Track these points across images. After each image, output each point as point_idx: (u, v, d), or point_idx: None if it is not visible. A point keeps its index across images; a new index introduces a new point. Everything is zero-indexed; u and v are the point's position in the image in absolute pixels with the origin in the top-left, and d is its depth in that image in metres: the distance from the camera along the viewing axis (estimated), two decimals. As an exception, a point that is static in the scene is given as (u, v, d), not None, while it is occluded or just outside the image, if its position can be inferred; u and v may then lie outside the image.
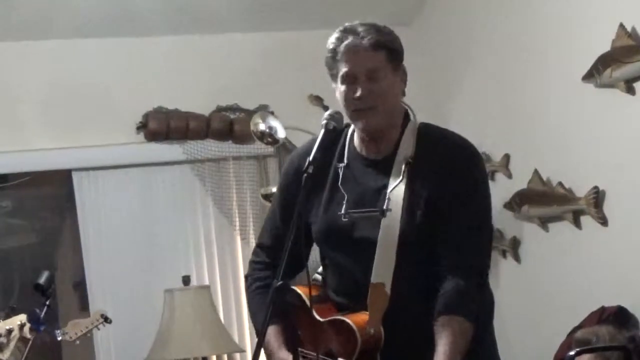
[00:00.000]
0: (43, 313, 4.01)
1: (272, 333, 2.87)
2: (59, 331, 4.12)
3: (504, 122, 4.94)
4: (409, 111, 2.93)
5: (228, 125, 5.42)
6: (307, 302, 2.80)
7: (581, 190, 4.44)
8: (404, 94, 2.91)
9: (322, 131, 2.82)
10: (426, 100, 4.00)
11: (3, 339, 3.79)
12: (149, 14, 5.21)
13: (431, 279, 2.78)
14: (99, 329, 4.30)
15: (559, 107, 4.59)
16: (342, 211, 2.85)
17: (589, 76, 4.30)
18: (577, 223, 4.50)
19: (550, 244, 4.72)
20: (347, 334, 2.78)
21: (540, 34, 4.70)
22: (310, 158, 2.72)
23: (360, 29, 2.82)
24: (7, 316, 3.97)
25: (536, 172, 4.69)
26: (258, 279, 3.04)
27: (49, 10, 5.03)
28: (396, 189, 2.82)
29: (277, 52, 5.48)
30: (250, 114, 5.26)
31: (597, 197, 4.34)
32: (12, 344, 3.82)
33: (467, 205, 2.81)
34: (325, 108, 4.92)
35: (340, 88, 2.84)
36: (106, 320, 4.26)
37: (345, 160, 2.92)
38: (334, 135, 2.88)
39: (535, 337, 4.71)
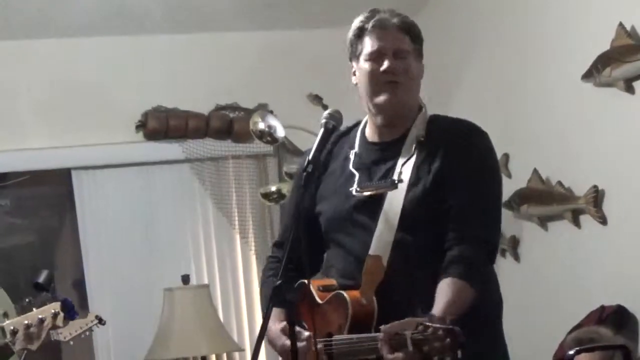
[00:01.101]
0: None
1: (273, 314, 2.80)
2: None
3: (503, 121, 4.93)
4: (422, 105, 3.00)
5: (227, 124, 5.41)
6: (311, 288, 2.80)
7: (580, 189, 4.43)
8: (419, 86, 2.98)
9: (322, 130, 2.83)
10: (425, 97, 3.99)
11: (34, 329, 3.62)
12: (148, 13, 5.20)
13: (431, 255, 2.78)
14: (92, 330, 4.29)
15: (558, 106, 4.58)
16: (355, 185, 2.88)
17: (588, 75, 4.30)
18: (576, 222, 4.50)
19: (549, 243, 4.71)
20: (341, 307, 2.78)
21: (540, 33, 4.69)
22: (310, 157, 2.74)
23: (387, 11, 2.90)
24: (24, 310, 3.90)
25: (535, 171, 4.68)
26: (271, 269, 3.07)
27: (48, 8, 5.03)
28: (406, 164, 2.86)
29: (277, 51, 5.47)
30: (249, 112, 5.26)
31: (597, 196, 4.33)
32: (44, 334, 3.66)
33: (474, 176, 2.84)
34: (325, 107, 4.91)
35: (364, 66, 2.89)
36: (100, 321, 4.25)
37: (357, 148, 2.97)
38: (345, 131, 2.95)
39: (535, 336, 4.70)
